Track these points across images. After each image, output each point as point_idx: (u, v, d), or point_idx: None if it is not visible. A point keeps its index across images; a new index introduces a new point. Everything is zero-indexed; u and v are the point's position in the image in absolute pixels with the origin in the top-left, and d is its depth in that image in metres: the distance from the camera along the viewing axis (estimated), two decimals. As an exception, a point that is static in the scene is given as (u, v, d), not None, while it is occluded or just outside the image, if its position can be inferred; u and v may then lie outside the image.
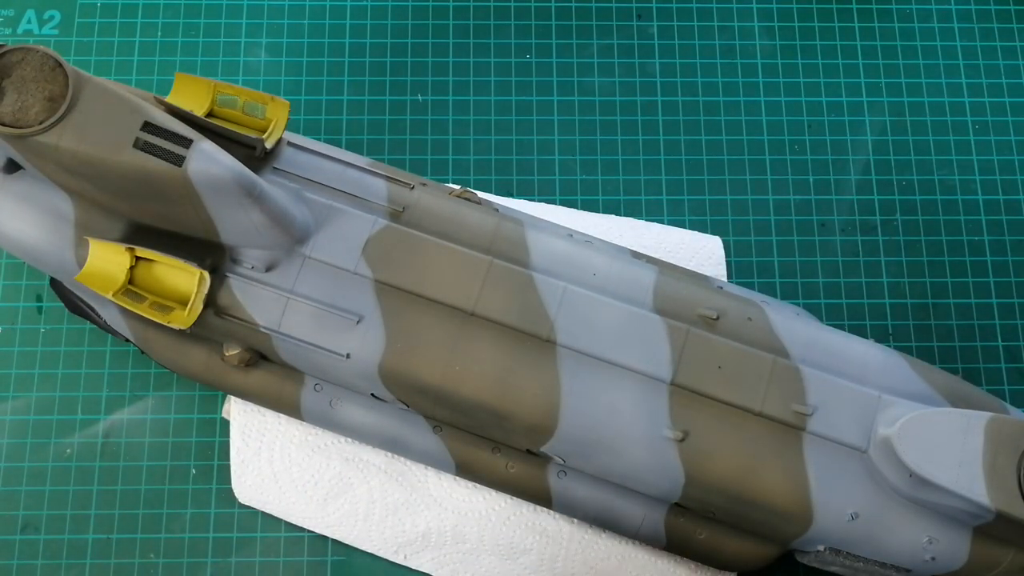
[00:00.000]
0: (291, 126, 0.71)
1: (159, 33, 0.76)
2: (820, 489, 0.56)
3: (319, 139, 0.65)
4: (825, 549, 0.58)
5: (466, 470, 0.63)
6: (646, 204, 0.74)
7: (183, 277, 0.56)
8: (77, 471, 0.67)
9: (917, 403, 0.57)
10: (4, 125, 0.50)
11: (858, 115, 0.77)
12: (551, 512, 0.65)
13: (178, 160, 0.51)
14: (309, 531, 0.66)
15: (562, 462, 0.60)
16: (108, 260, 0.55)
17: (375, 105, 0.76)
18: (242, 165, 0.53)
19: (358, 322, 0.57)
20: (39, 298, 0.71)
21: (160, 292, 0.57)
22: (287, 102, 0.60)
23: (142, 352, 0.64)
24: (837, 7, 0.80)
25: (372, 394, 0.60)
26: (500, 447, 0.61)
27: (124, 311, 0.61)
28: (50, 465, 0.67)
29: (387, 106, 0.76)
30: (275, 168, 0.59)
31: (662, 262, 0.64)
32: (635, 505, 0.61)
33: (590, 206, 0.74)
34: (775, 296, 0.71)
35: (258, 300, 0.57)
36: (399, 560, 0.65)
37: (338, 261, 0.57)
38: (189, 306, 0.56)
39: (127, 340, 0.64)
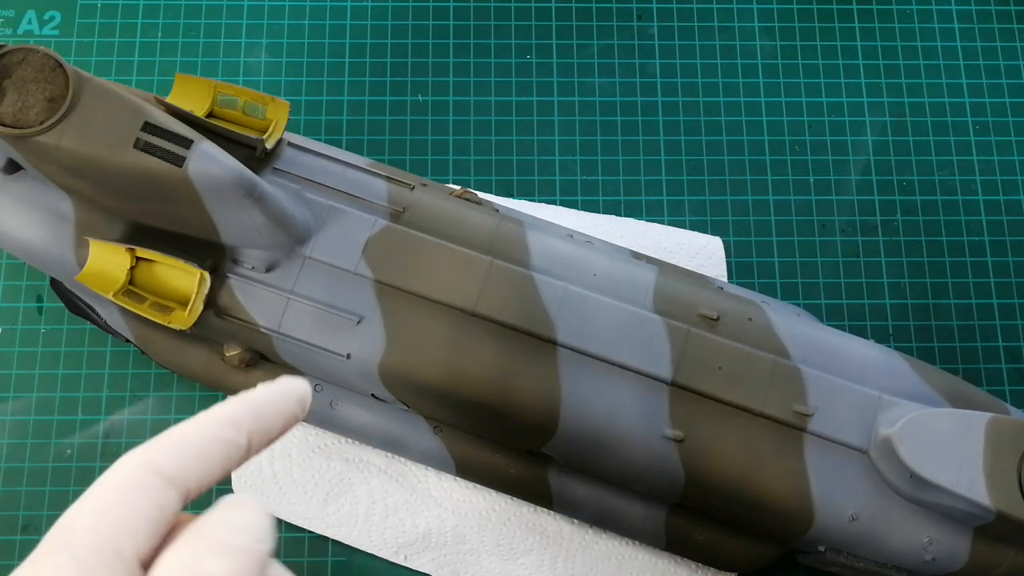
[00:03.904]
0: (291, 126, 0.71)
1: (159, 34, 0.76)
2: (821, 489, 0.56)
3: (319, 139, 0.65)
4: (826, 549, 0.58)
5: (466, 470, 0.63)
6: (646, 204, 0.74)
7: (183, 277, 0.56)
8: (78, 472, 0.67)
9: (918, 403, 0.57)
10: (5, 125, 0.50)
11: (858, 115, 0.77)
12: (551, 512, 0.65)
13: (178, 160, 0.51)
14: (309, 531, 0.66)
15: (562, 462, 0.60)
16: (108, 260, 0.55)
17: (375, 105, 0.76)
18: (242, 165, 0.53)
19: (358, 322, 0.57)
20: (39, 299, 0.71)
21: (160, 292, 0.57)
22: (287, 103, 0.60)
23: (142, 353, 0.64)
24: (837, 7, 0.80)
25: (372, 395, 0.60)
26: (500, 447, 0.61)
27: (124, 311, 0.61)
28: (50, 466, 0.67)
29: (387, 106, 0.76)
30: (275, 168, 0.59)
31: (662, 262, 0.64)
32: (635, 505, 0.61)
33: (590, 206, 0.74)
34: (776, 296, 0.71)
35: (258, 300, 0.57)
36: (399, 561, 0.65)
37: (338, 261, 0.57)
38: (189, 306, 0.56)
39: (127, 341, 0.64)
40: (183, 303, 0.56)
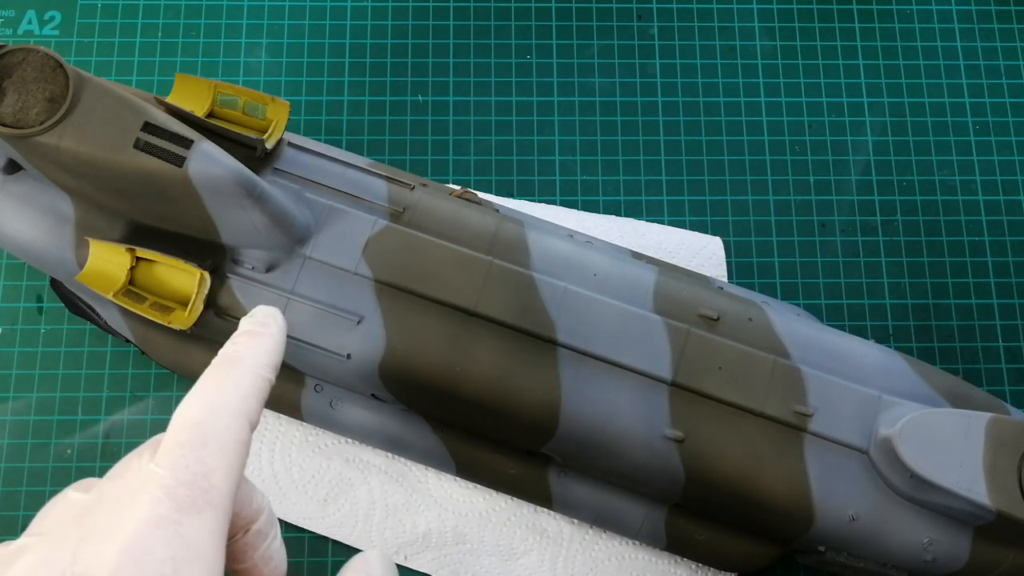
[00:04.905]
0: (291, 126, 0.71)
1: (160, 34, 0.76)
2: (821, 490, 0.56)
3: (319, 140, 0.65)
4: (826, 549, 0.58)
5: (466, 470, 0.63)
6: (646, 204, 0.74)
7: (183, 277, 0.56)
8: (78, 472, 0.67)
9: (918, 403, 0.57)
10: (5, 126, 0.50)
11: (859, 115, 0.77)
12: (551, 513, 0.65)
13: (179, 161, 0.51)
14: (309, 532, 0.66)
15: (562, 462, 0.60)
16: (108, 260, 0.55)
17: (375, 106, 0.76)
18: (242, 165, 0.53)
19: (358, 323, 0.57)
20: (40, 299, 0.71)
21: (160, 292, 0.57)
22: (287, 103, 0.60)
23: (142, 353, 0.64)
24: (837, 7, 0.80)
25: (372, 395, 0.60)
26: (500, 447, 0.61)
27: (124, 312, 0.61)
28: (50, 466, 0.67)
29: (387, 107, 0.76)
30: (275, 168, 0.59)
31: (662, 262, 0.64)
32: (635, 505, 0.61)
33: (590, 207, 0.74)
34: (776, 296, 0.71)
35: (258, 300, 0.57)
36: (399, 561, 0.65)
37: (338, 261, 0.57)
38: (189, 307, 0.56)
39: (127, 341, 0.64)
40: (183, 303, 0.56)
